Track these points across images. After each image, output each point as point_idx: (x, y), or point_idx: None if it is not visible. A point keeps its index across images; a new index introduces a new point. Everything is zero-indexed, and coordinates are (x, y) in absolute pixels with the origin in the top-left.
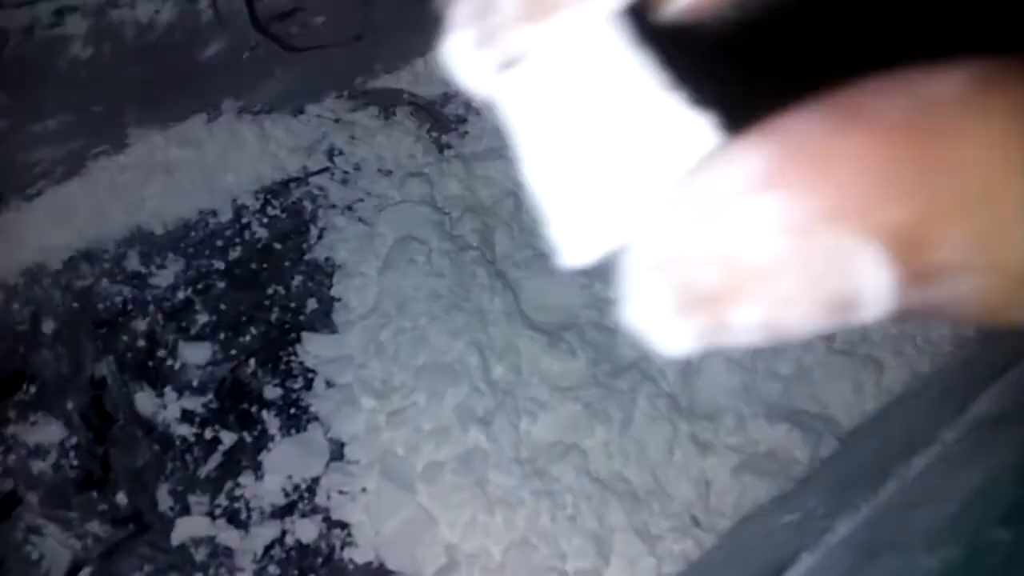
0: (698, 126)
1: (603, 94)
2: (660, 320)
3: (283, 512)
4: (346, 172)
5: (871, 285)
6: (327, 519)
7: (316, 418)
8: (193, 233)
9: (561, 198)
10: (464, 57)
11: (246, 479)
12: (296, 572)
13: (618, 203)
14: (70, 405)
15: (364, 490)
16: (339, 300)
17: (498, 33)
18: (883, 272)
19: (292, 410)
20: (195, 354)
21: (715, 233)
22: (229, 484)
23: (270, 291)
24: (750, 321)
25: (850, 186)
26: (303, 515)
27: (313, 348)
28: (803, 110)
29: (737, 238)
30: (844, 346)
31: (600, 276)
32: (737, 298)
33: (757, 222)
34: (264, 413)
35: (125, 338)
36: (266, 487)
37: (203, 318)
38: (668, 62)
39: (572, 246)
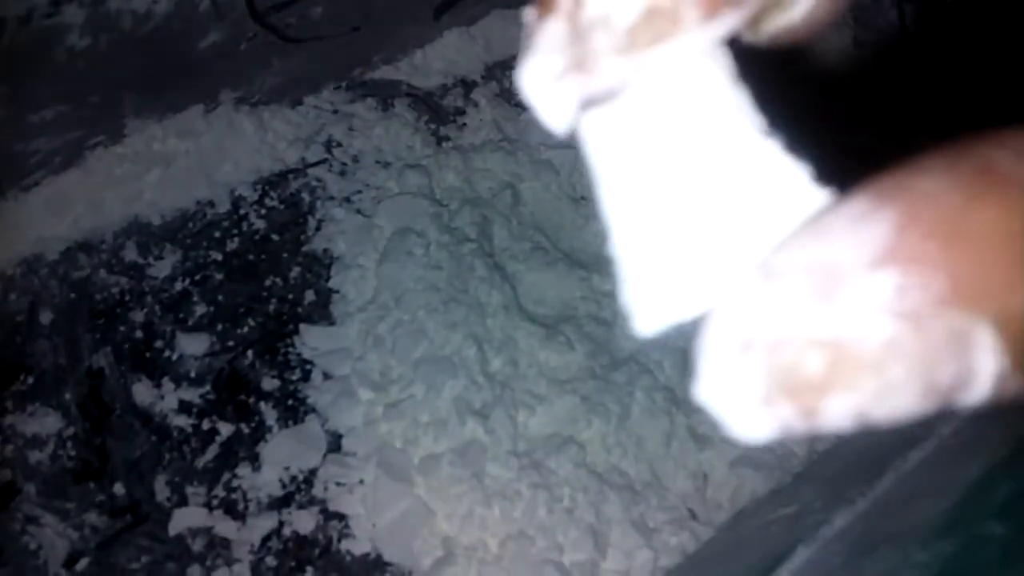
0: (798, 177)
1: (696, 137)
2: (746, 405)
3: (280, 503)
4: (344, 164)
5: (983, 373)
6: (324, 511)
7: (313, 410)
8: (191, 224)
9: (642, 254)
10: (546, 86)
11: (243, 470)
12: (293, 563)
13: (706, 265)
14: (68, 396)
15: (361, 482)
16: (337, 292)
17: (589, 63)
18: (996, 359)
19: (289, 402)
20: (193, 345)
21: (826, 314)
22: (226, 475)
23: (268, 282)
24: (847, 410)
25: (980, 263)
26: (300, 507)
27: (311, 340)
28: (927, 165)
29: (850, 321)
30: None
31: (598, 269)
32: (839, 386)
33: (874, 302)
34: (261, 404)
35: (123, 329)
36: (263, 478)
37: (201, 309)
38: (766, 99)
39: (649, 309)
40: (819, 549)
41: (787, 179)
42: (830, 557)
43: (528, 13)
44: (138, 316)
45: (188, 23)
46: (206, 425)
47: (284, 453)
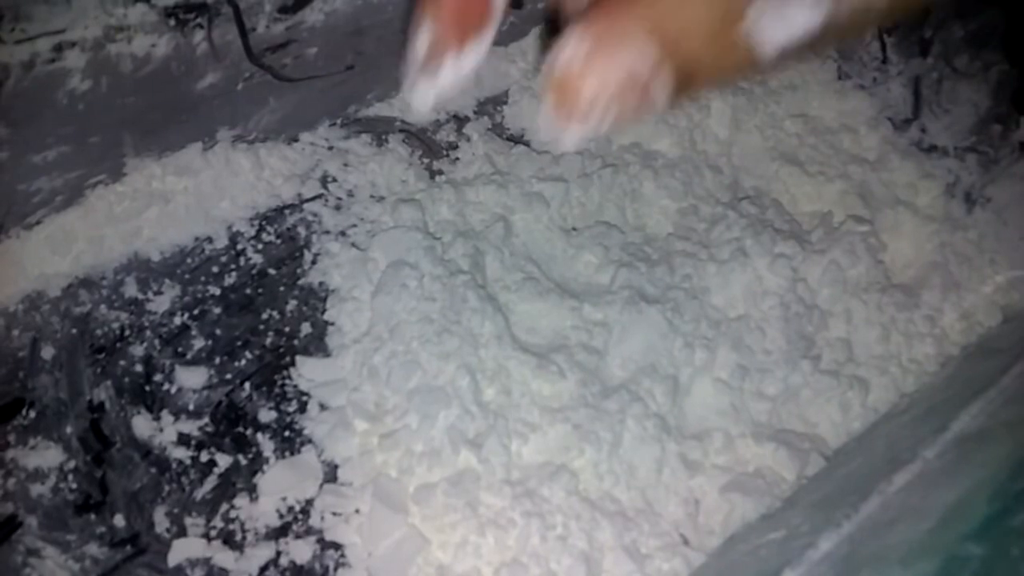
0: None
1: None
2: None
3: (277, 533)
4: (339, 198)
5: (658, 75)
6: (321, 540)
7: (310, 441)
8: (189, 260)
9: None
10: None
11: (241, 501)
12: None
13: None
14: (69, 429)
15: (357, 511)
16: (332, 324)
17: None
18: (662, 67)
19: (286, 433)
20: (191, 378)
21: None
22: (224, 506)
23: (265, 316)
24: (594, 97)
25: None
26: (297, 536)
27: (307, 372)
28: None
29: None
30: (831, 366)
31: (589, 299)
32: (585, 80)
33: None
34: (259, 436)
35: (123, 363)
36: (261, 509)
37: (199, 343)
38: None
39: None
40: (805, 572)
41: None
42: None
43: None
44: (138, 350)
45: (186, 65)
46: (204, 457)
47: (281, 484)
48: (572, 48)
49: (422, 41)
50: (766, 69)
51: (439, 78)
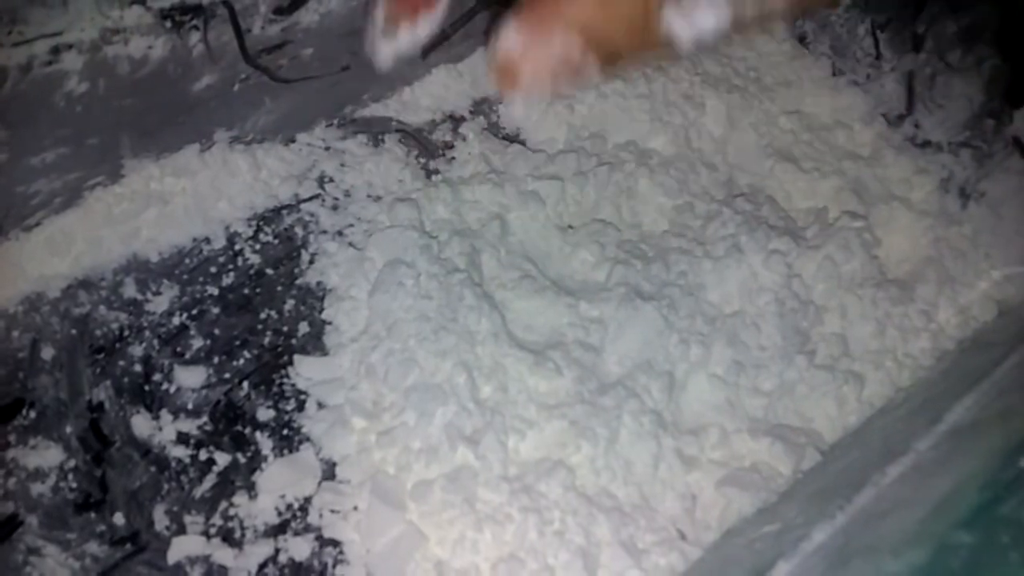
0: None
1: None
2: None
3: (276, 531)
4: (336, 198)
5: (585, 60)
6: (319, 537)
7: (308, 439)
8: (187, 260)
9: None
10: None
11: (240, 499)
12: None
13: None
14: (69, 429)
15: (355, 508)
16: (330, 323)
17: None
18: (585, 53)
19: (285, 431)
20: (190, 378)
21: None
22: (223, 504)
23: (263, 315)
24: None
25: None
26: (296, 534)
27: (305, 370)
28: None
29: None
30: (826, 361)
31: (585, 296)
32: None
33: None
34: (257, 434)
35: (122, 363)
36: (260, 506)
37: (198, 343)
38: None
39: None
40: (798, 564)
41: None
42: (808, 571)
43: None
44: (137, 350)
45: (183, 67)
46: (203, 455)
47: (280, 481)
48: (510, 39)
49: (379, 14)
50: (687, 54)
51: (396, 43)
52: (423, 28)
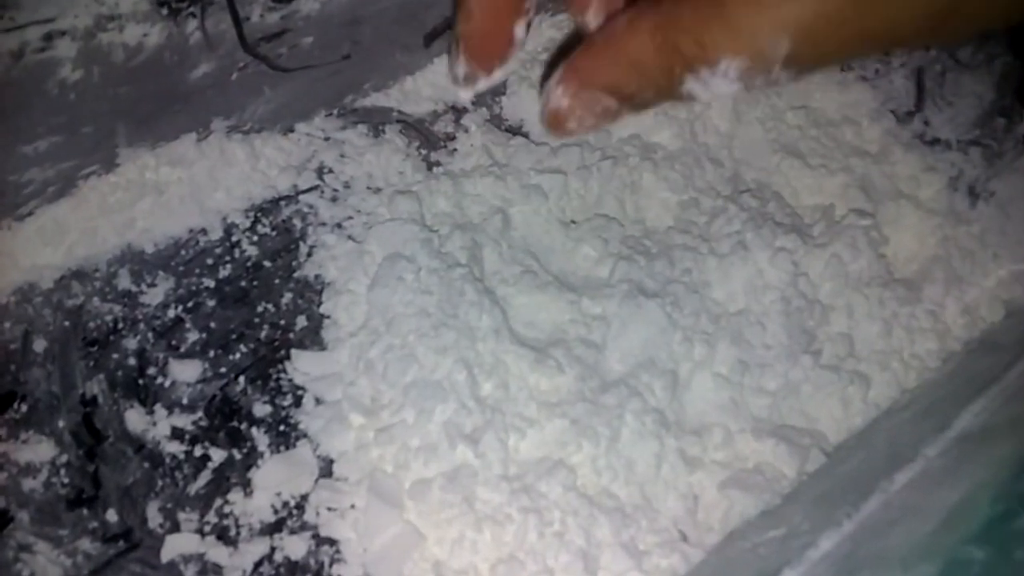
0: None
1: None
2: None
3: (272, 529)
4: (335, 190)
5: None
6: (316, 536)
7: (305, 435)
8: (183, 252)
9: None
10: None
11: (235, 496)
12: None
13: None
14: (61, 423)
15: (353, 507)
16: (328, 317)
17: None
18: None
19: (281, 427)
20: (185, 372)
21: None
22: (218, 501)
23: (260, 309)
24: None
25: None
26: (292, 532)
27: (302, 365)
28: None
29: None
30: (831, 361)
31: (588, 292)
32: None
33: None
34: (253, 430)
35: (116, 356)
36: (255, 504)
37: (193, 336)
38: None
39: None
40: (805, 572)
41: None
42: None
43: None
44: (131, 343)
45: (179, 54)
46: (198, 451)
47: (276, 479)
48: (557, 99)
49: (458, 69)
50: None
51: (475, 88)
52: (498, 76)
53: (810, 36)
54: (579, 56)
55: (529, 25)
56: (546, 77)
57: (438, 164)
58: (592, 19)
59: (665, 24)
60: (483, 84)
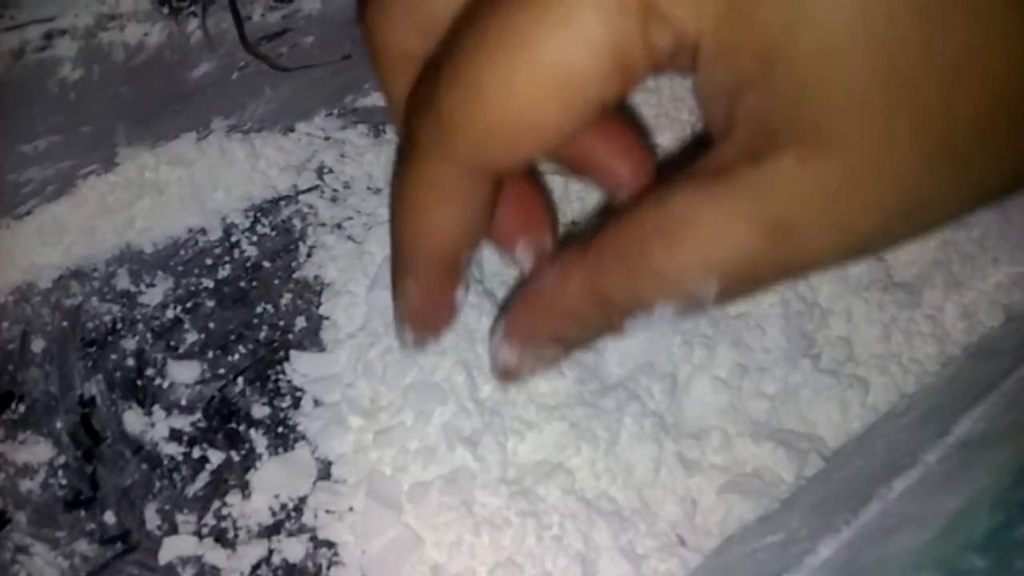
0: None
1: None
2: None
3: (270, 531)
4: (336, 190)
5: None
6: (314, 538)
7: (304, 437)
8: (182, 252)
9: None
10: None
11: (233, 498)
12: None
13: None
14: (59, 424)
15: (351, 509)
16: (327, 319)
17: None
18: None
19: (280, 429)
20: (184, 373)
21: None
22: (216, 503)
23: (259, 309)
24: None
25: None
26: (290, 534)
27: (301, 367)
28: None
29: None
30: (830, 365)
31: None
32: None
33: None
34: (252, 432)
35: (114, 357)
36: (253, 506)
37: (192, 336)
38: None
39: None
40: None
41: None
42: None
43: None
44: (130, 344)
45: (180, 53)
46: (196, 453)
47: (274, 481)
48: (503, 357)
49: (406, 337)
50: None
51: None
52: (443, 334)
53: (735, 277)
54: (516, 311)
55: (468, 286)
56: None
57: None
58: (521, 257)
59: (593, 276)
60: (434, 341)
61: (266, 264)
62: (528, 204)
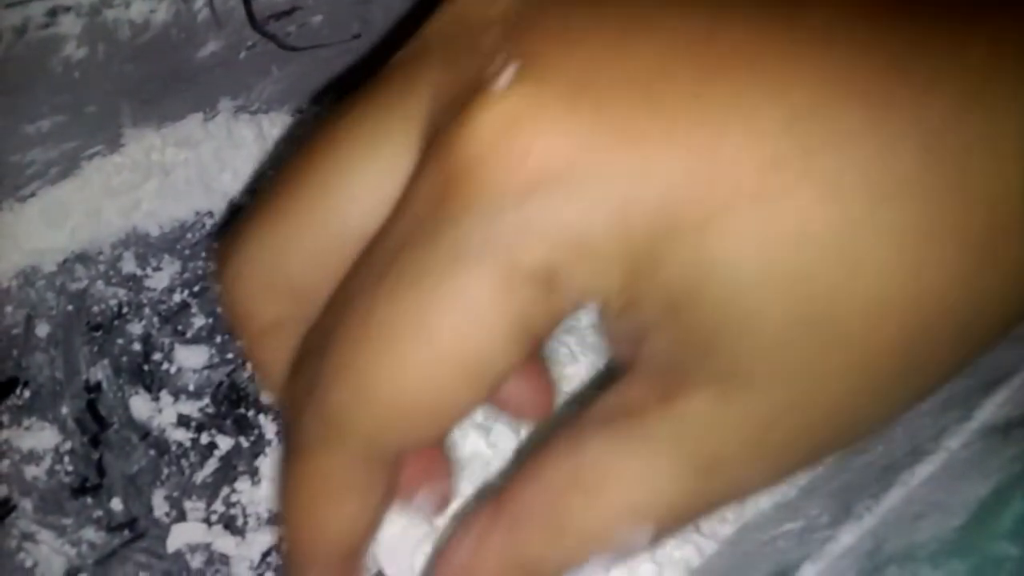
0: None
1: None
2: None
3: (280, 518)
4: None
5: None
6: None
7: None
8: (189, 234)
9: None
10: None
11: (242, 484)
12: None
13: None
14: (65, 410)
15: None
16: None
17: None
18: None
19: None
20: (191, 358)
21: None
22: (225, 490)
23: None
24: None
25: None
26: None
27: None
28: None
29: None
30: None
31: None
32: None
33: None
34: (261, 417)
35: (120, 341)
36: (263, 493)
37: (199, 321)
38: None
39: None
40: (826, 567)
41: None
42: (839, 575)
43: None
44: (136, 328)
45: (186, 32)
46: (205, 439)
47: None
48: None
49: None
50: None
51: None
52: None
53: (670, 516)
54: None
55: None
56: None
57: None
58: (423, 505)
59: (513, 543)
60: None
61: None
62: (427, 451)
